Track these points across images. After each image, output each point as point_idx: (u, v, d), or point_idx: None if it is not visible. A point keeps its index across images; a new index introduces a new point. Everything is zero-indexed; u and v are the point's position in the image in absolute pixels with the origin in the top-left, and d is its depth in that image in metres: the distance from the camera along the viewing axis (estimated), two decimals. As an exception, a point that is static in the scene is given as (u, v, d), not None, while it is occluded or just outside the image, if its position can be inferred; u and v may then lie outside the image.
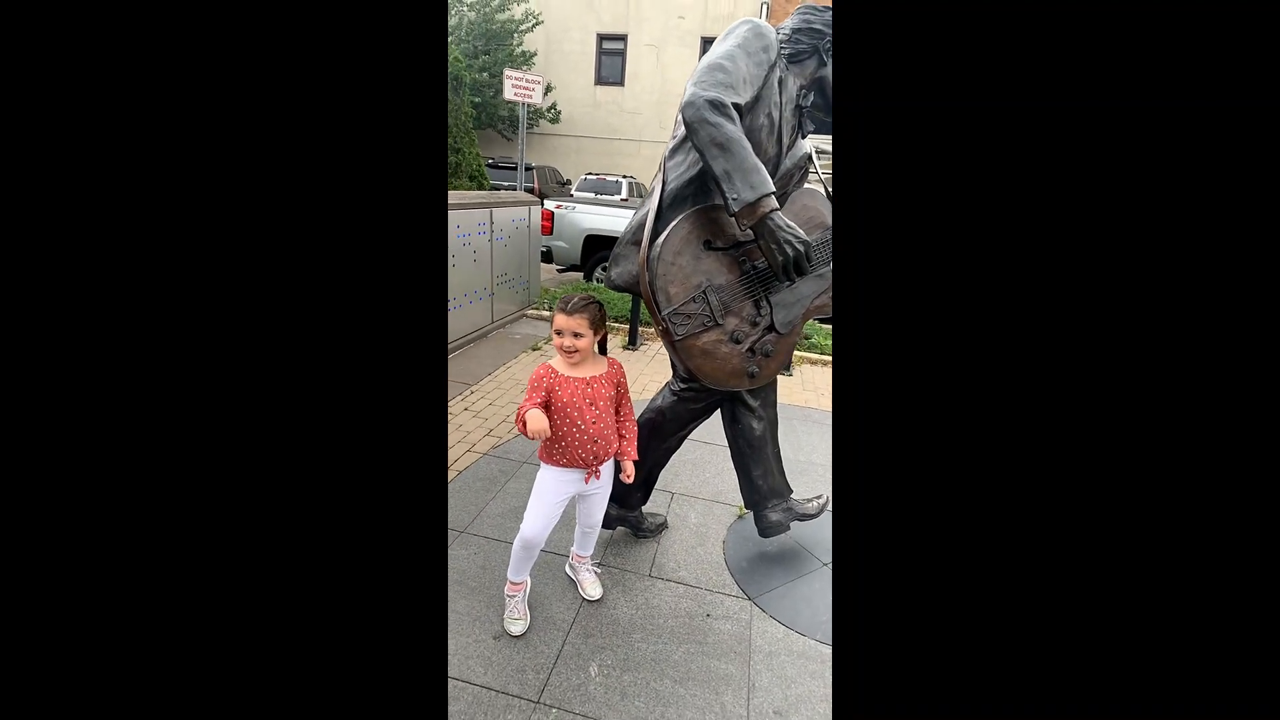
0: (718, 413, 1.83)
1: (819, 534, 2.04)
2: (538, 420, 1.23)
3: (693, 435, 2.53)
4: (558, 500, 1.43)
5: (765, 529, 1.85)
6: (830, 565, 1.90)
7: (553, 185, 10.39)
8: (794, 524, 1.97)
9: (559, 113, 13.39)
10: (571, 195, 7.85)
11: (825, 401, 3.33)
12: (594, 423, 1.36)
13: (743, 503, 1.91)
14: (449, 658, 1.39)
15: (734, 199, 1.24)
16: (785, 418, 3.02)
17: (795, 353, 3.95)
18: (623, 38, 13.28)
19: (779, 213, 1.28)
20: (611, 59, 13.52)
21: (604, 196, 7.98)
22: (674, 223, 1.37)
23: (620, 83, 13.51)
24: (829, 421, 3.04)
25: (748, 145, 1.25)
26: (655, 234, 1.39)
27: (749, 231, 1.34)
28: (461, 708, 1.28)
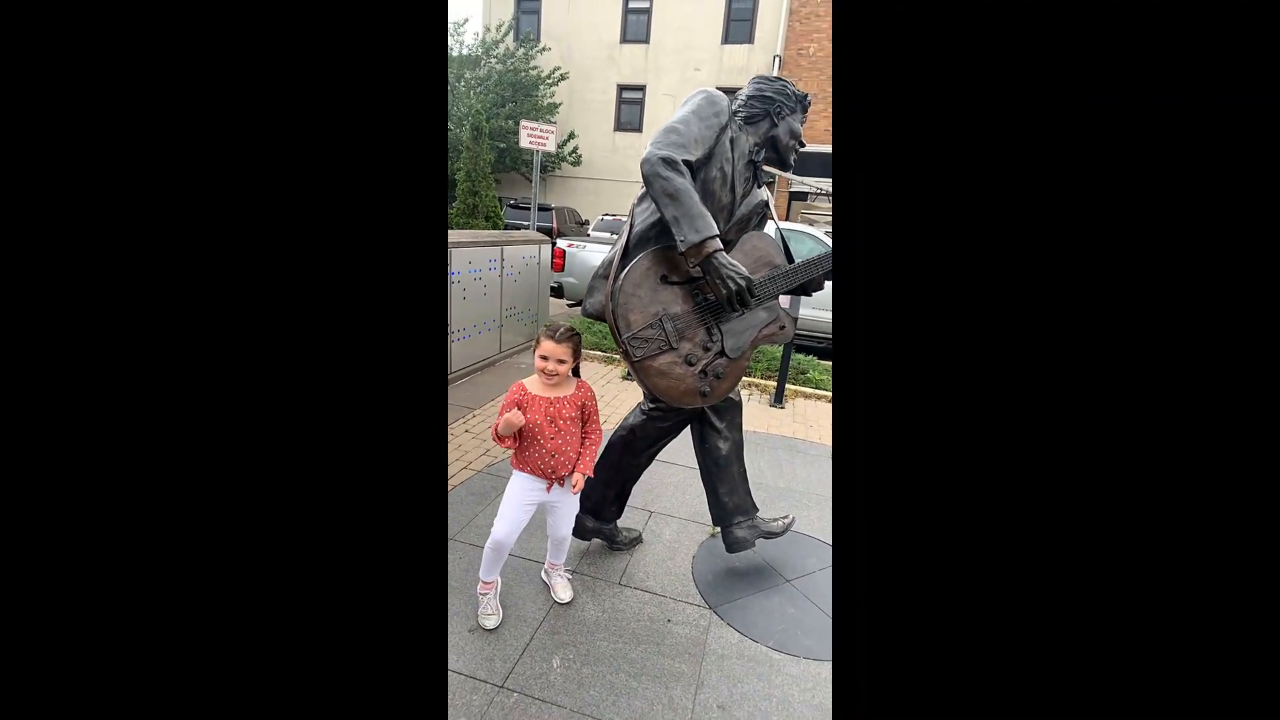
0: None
1: (786, 554, 2.15)
2: (510, 421, 1.48)
3: (677, 460, 2.70)
4: (524, 504, 1.58)
5: (731, 544, 1.97)
6: (792, 582, 2.00)
7: (571, 225, 10.87)
8: (763, 543, 2.09)
9: (580, 156, 14.04)
10: (586, 235, 8.24)
11: (813, 434, 3.44)
12: (553, 438, 1.53)
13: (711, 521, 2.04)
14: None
15: (682, 240, 1.44)
16: (772, 447, 3.16)
17: (789, 386, 4.08)
18: (641, 88, 13.97)
19: (722, 253, 1.47)
20: (630, 107, 14.20)
21: (618, 236, 8.34)
22: (635, 260, 1.57)
23: (639, 129, 14.14)
24: (814, 452, 3.15)
25: (695, 195, 1.46)
26: (620, 269, 1.59)
27: (700, 268, 1.53)
28: (432, 688, 1.42)
